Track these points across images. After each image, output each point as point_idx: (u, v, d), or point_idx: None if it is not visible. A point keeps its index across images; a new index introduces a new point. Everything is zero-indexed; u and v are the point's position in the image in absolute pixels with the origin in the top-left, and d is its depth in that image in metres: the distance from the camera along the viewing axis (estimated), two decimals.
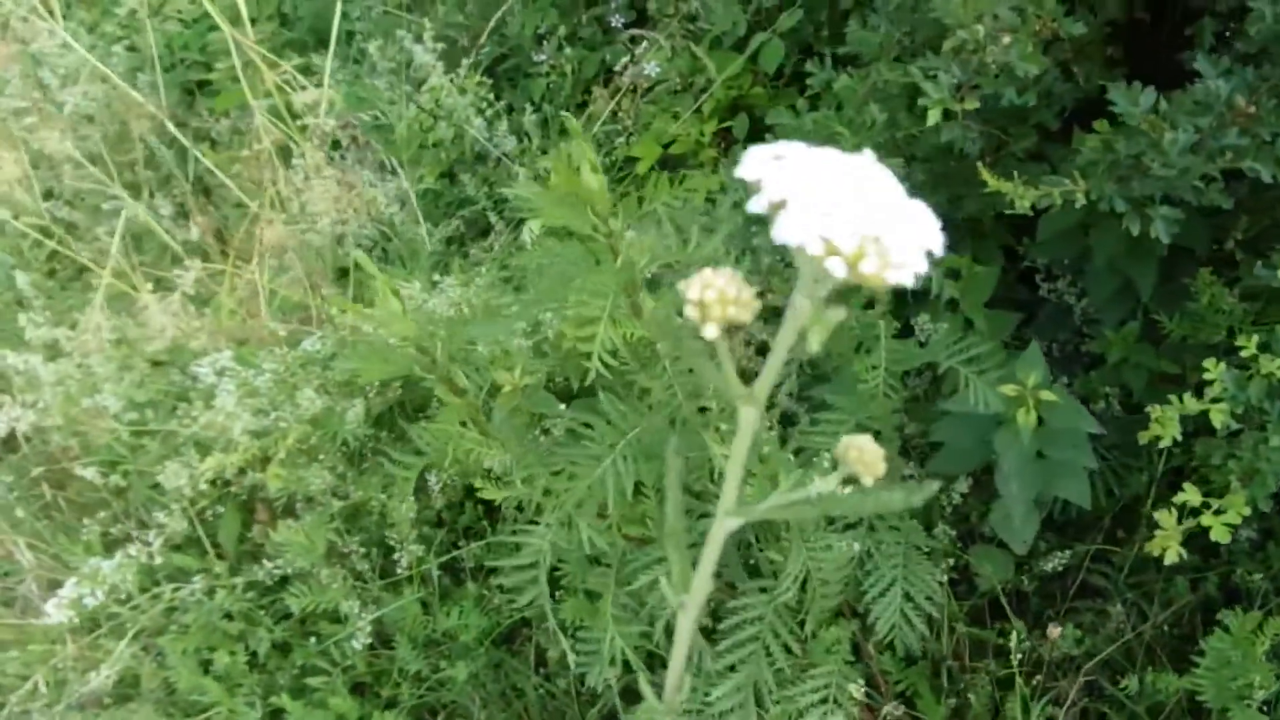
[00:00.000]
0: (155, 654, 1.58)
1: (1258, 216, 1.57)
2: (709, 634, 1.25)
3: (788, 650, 1.21)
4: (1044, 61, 1.04)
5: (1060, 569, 1.51)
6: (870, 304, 1.22)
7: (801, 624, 1.23)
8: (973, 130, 1.10)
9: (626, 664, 1.28)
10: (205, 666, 1.58)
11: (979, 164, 1.40)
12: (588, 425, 1.07)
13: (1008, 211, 1.58)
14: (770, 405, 1.38)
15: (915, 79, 1.06)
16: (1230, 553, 1.53)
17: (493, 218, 2.11)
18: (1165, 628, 1.53)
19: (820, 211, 0.29)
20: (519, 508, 1.55)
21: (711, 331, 0.31)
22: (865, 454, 0.37)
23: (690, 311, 0.31)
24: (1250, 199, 1.41)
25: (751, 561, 1.40)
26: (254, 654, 1.60)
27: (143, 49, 2.75)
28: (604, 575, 1.24)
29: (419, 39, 2.20)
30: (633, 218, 0.87)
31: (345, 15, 2.60)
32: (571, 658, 1.21)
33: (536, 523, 1.20)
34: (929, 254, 0.29)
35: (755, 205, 0.29)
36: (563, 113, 1.75)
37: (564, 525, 1.08)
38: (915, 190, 0.98)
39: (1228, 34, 1.24)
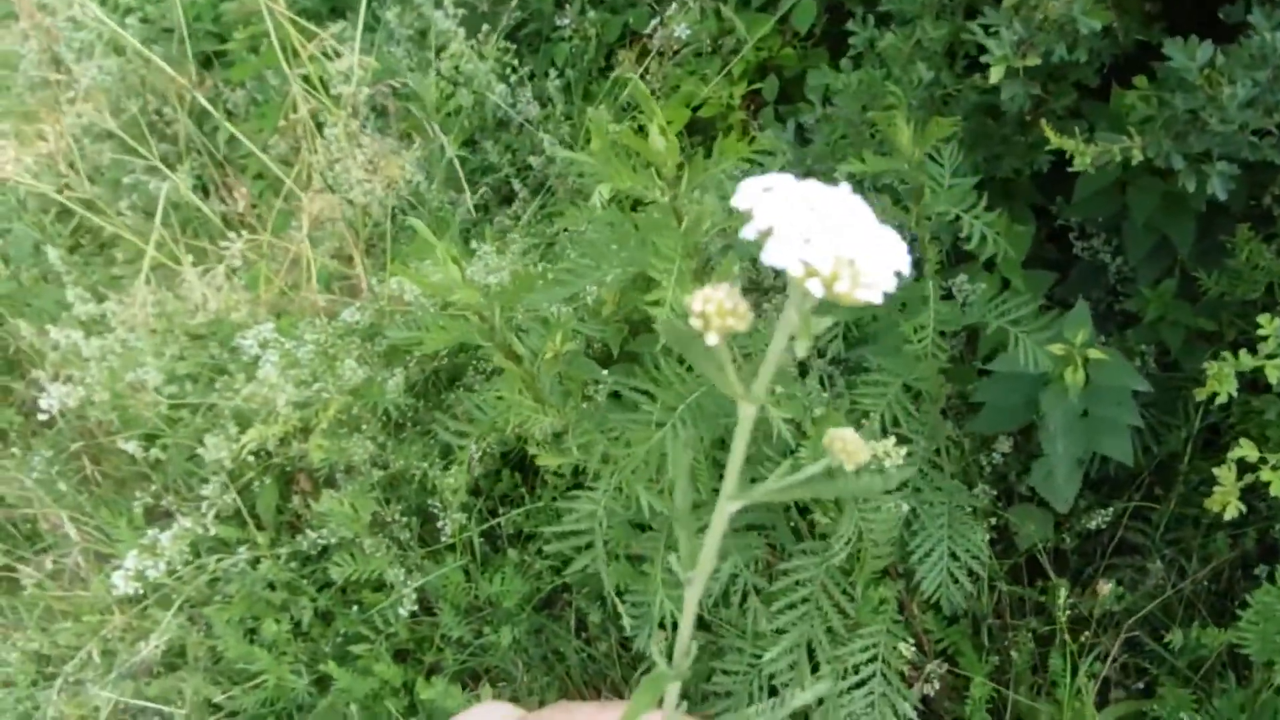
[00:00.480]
0: (201, 624, 1.59)
1: None
2: (761, 595, 1.26)
3: (839, 610, 1.21)
4: (1109, 14, 1.03)
5: (1101, 527, 1.51)
6: (919, 265, 1.21)
7: (852, 585, 1.24)
8: (1027, 87, 1.09)
9: (675, 626, 1.29)
10: (250, 635, 1.60)
11: (1039, 121, 1.39)
12: (643, 391, 1.07)
13: (1044, 170, 1.58)
14: (804, 373, 1.38)
15: (976, 36, 1.04)
16: (1269, 508, 1.53)
17: (516, 185, 2.09)
18: (1205, 583, 1.53)
19: (801, 238, 0.34)
20: (560, 473, 1.56)
21: (713, 339, 0.35)
22: (848, 444, 0.42)
23: (694, 322, 0.35)
24: None
25: (793, 525, 1.40)
26: (297, 623, 1.61)
27: (155, 20, 2.73)
28: (653, 539, 1.25)
29: (438, 4, 2.18)
30: (697, 182, 0.87)
31: None
32: (627, 621, 1.22)
33: (585, 487, 1.20)
34: (898, 273, 0.34)
35: (747, 232, 0.33)
36: (631, 75, 1.73)
37: (619, 490, 1.08)
38: (958, 148, 0.97)
39: None
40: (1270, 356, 1.06)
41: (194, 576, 1.55)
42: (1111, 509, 1.54)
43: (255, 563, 1.59)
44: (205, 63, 2.62)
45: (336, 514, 1.46)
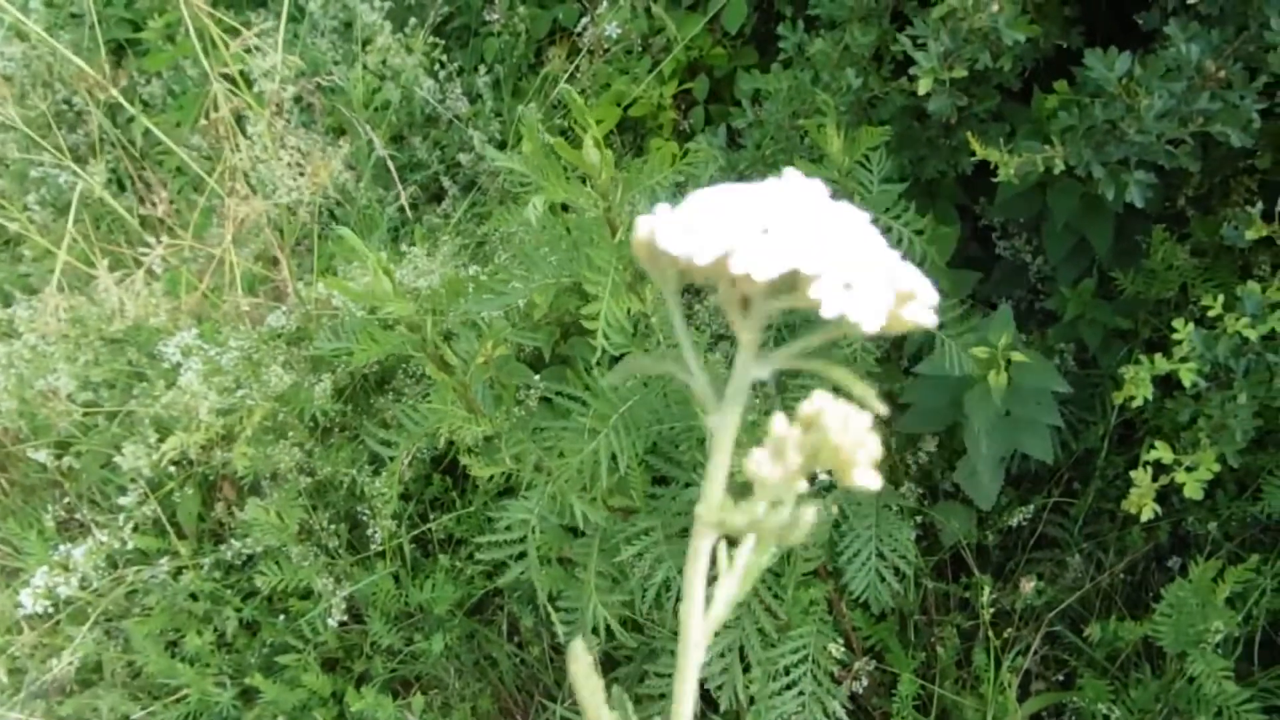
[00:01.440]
0: (119, 638, 1.55)
1: (1208, 175, 1.61)
2: None
3: (770, 613, 1.22)
4: (1032, 27, 1.05)
5: (1023, 523, 1.55)
6: None
7: (783, 588, 1.25)
8: (955, 96, 1.11)
9: (608, 631, 1.29)
10: (171, 649, 1.55)
11: (963, 126, 1.42)
12: (576, 399, 1.06)
13: (969, 172, 1.61)
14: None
15: (904, 47, 1.05)
16: (1182, 501, 1.59)
17: (446, 182, 2.06)
18: (1121, 576, 1.58)
19: (840, 283, 0.31)
20: (492, 477, 1.54)
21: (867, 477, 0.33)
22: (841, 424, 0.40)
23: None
24: (1204, 159, 1.44)
25: None
26: (221, 634, 1.57)
27: (62, 4, 2.62)
28: (585, 545, 1.24)
29: None
30: (632, 192, 0.86)
31: None
32: (560, 626, 1.21)
33: (517, 494, 1.19)
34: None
35: (759, 271, 0.30)
36: (562, 72, 1.70)
37: (552, 499, 1.08)
38: (885, 152, 0.97)
39: None
40: (1183, 360, 1.10)
41: (111, 589, 1.51)
42: (1032, 505, 1.58)
43: (177, 573, 1.55)
44: (117, 51, 2.53)
45: (262, 522, 1.43)
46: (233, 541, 1.48)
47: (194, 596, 1.57)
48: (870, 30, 1.24)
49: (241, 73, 1.45)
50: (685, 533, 1.30)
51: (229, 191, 1.38)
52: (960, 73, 1.06)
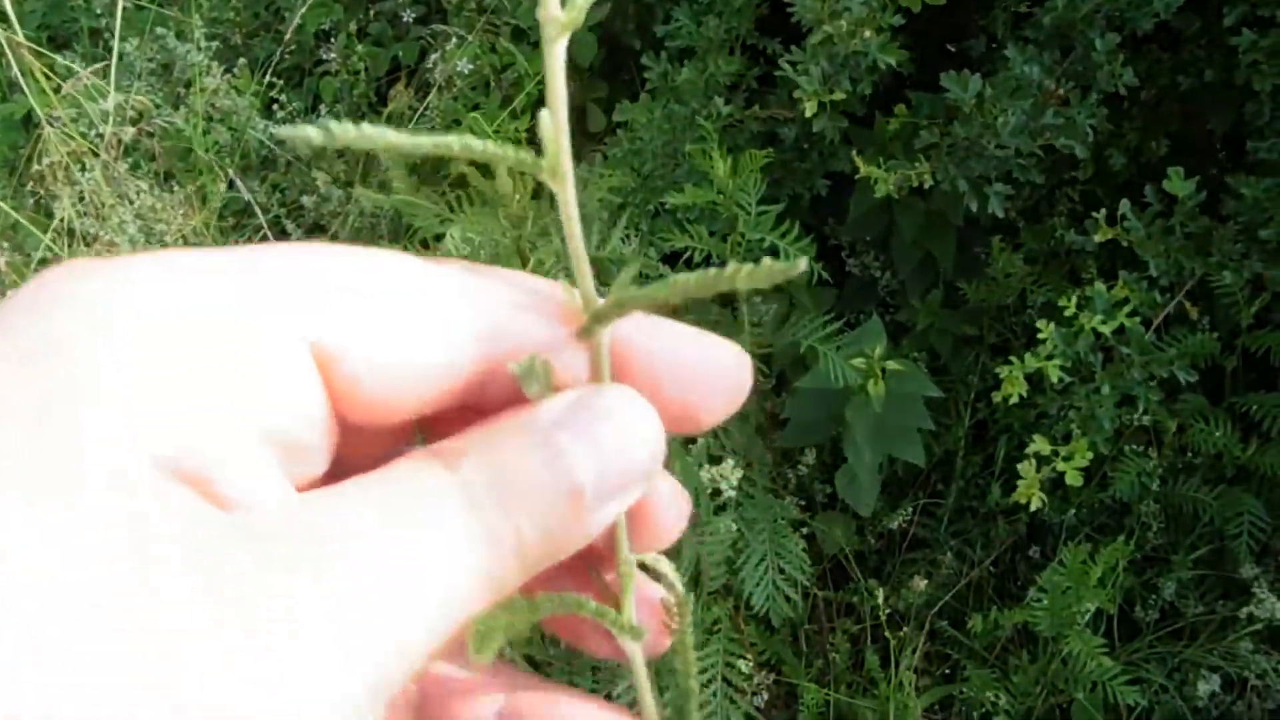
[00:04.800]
0: None
1: (1038, 188, 1.74)
2: None
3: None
4: (902, 53, 1.11)
5: (904, 527, 1.61)
6: (732, 293, 1.25)
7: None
8: (835, 119, 1.15)
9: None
10: None
11: (815, 150, 1.47)
12: None
13: (823, 194, 1.68)
14: None
15: (786, 72, 1.09)
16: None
17: (289, 225, 1.99)
18: (989, 569, 1.67)
19: None
20: None
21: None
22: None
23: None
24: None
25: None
26: None
27: None
28: None
29: (181, 36, 2.04)
30: (542, 222, 0.85)
31: (88, 9, 2.37)
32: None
33: None
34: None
35: None
36: (408, 109, 1.65)
37: None
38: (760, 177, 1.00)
39: (1019, 20, 1.36)
40: (1049, 358, 1.18)
41: None
42: (907, 509, 1.64)
43: None
44: None
45: None
46: None
47: None
48: (733, 61, 1.28)
49: (74, 118, 1.35)
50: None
51: (95, 237, 1.28)
52: (840, 95, 1.11)
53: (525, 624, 0.28)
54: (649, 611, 0.33)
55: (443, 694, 0.30)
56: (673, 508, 0.30)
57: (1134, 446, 1.52)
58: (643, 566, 0.32)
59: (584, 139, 1.91)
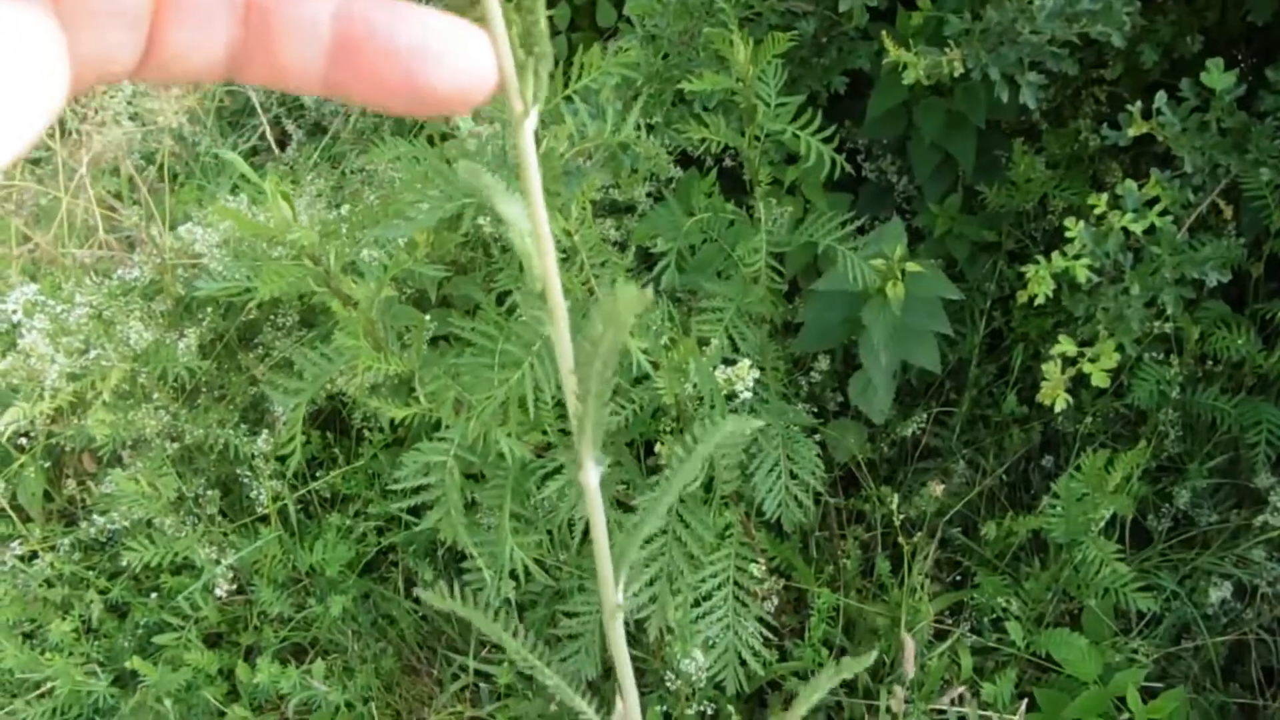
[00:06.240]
0: None
1: (1061, 88, 1.68)
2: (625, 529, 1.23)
3: (698, 539, 1.21)
4: None
5: (917, 434, 1.59)
6: (750, 187, 1.21)
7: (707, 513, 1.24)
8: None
9: (512, 576, 1.24)
10: (29, 640, 1.41)
11: (833, 45, 1.41)
12: (485, 335, 1.01)
13: (841, 92, 1.62)
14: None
15: None
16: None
17: (289, 125, 1.93)
18: (1001, 477, 1.65)
19: None
20: (379, 429, 1.46)
21: None
22: None
23: None
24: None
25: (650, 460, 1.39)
26: (86, 620, 1.44)
27: None
28: (497, 488, 1.19)
29: None
30: (555, 102, 0.81)
31: None
32: (488, 574, 1.16)
33: (404, 444, 1.13)
34: None
35: None
36: None
37: (473, 437, 1.02)
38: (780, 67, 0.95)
39: None
40: (1077, 257, 1.14)
41: None
42: (918, 417, 1.62)
43: (29, 558, 1.40)
44: None
45: (129, 494, 1.30)
46: (95, 518, 1.35)
47: (49, 582, 1.43)
48: None
49: None
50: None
51: (83, 118, 1.23)
52: None
53: None
54: None
55: None
56: None
57: (1153, 354, 1.49)
58: None
59: (594, 34, 1.84)
